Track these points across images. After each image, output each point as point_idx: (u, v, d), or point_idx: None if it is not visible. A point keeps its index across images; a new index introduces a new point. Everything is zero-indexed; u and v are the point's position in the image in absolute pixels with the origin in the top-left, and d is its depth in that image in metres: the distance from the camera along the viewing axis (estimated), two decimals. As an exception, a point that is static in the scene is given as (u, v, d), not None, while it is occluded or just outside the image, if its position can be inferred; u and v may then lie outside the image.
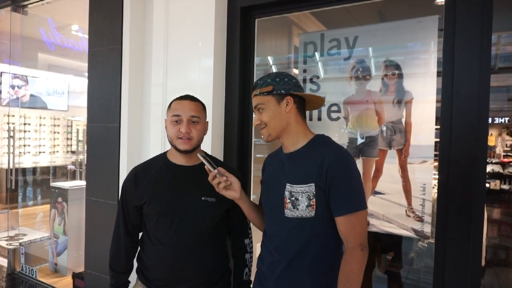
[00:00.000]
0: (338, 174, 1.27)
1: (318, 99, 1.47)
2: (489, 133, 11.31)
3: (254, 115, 1.43)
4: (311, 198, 1.29)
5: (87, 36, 2.55)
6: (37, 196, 5.32)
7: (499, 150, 11.24)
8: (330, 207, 1.29)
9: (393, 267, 2.86)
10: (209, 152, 1.87)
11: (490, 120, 11.14)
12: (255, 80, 2.10)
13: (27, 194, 5.12)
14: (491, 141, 11.42)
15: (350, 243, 1.25)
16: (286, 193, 1.33)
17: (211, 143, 2.03)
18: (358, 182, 1.30)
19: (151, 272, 1.57)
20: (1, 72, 5.95)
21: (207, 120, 1.63)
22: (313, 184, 1.29)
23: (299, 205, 1.30)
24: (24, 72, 5.23)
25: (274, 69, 2.90)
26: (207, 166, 1.43)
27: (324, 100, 1.49)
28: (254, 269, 1.60)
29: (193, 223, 1.53)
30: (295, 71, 2.14)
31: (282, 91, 1.36)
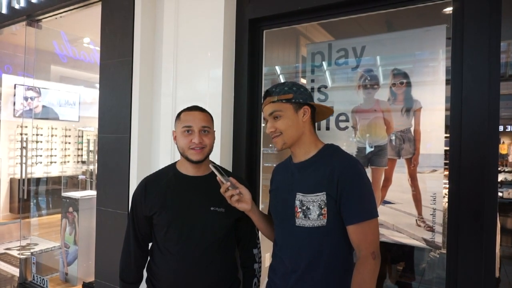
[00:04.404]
0: (349, 183, 1.26)
1: (329, 110, 1.48)
2: (501, 141, 11.14)
3: (267, 123, 1.41)
4: (322, 207, 1.28)
5: (98, 49, 2.61)
6: (49, 206, 5.38)
7: (511, 158, 11.05)
8: (341, 216, 1.28)
9: (404, 278, 2.81)
10: (218, 162, 1.88)
11: (502, 128, 10.98)
12: (263, 89, 2.12)
13: (39, 204, 5.18)
14: (503, 149, 11.23)
15: (362, 252, 1.25)
16: (297, 202, 1.33)
17: (220, 152, 2.05)
18: (369, 190, 1.30)
19: (160, 282, 1.57)
20: (15, 84, 6.09)
21: (214, 130, 1.65)
22: (324, 193, 1.28)
23: (310, 214, 1.30)
24: (37, 84, 5.34)
25: (282, 79, 2.91)
26: (219, 177, 1.42)
27: (332, 111, 1.50)
28: (262, 279, 1.59)
29: (203, 233, 1.53)
30: (303, 80, 2.16)
31: (301, 100, 1.37)
